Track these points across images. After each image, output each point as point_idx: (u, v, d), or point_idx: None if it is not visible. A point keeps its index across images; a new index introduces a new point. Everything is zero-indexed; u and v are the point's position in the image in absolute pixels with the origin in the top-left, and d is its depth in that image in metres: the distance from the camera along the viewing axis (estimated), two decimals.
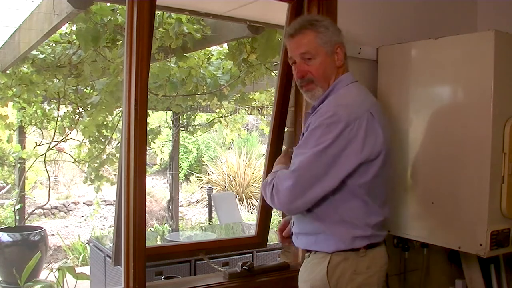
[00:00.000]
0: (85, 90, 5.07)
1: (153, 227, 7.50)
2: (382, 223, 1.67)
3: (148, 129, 3.05)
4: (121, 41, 3.90)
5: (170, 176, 6.84)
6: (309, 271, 1.66)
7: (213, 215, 7.15)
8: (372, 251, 1.63)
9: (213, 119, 7.19)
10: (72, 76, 4.62)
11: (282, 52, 2.17)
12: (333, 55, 1.68)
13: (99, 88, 4.36)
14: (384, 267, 1.68)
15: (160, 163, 7.60)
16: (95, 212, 6.85)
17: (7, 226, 5.75)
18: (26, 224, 5.95)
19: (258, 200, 5.19)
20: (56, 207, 8.92)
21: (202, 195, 9.79)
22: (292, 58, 1.71)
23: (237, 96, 5.73)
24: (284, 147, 2.22)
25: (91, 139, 5.20)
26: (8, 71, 4.83)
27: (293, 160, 1.60)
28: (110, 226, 8.22)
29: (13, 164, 6.23)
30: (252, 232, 2.51)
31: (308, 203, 1.56)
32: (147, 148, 3.72)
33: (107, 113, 4.77)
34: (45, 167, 5.67)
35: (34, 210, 7.10)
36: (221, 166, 10.13)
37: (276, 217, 5.39)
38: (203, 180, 10.17)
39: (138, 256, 1.76)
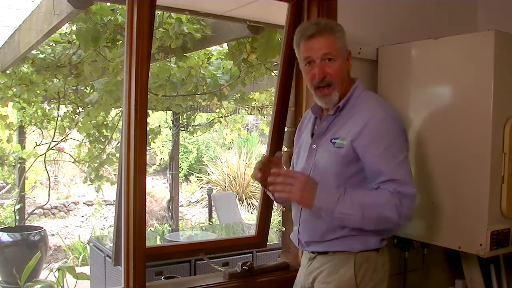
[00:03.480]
0: (85, 90, 5.07)
1: (153, 227, 7.49)
2: None
3: (148, 129, 3.05)
4: (121, 41, 3.89)
5: (170, 176, 6.83)
6: (330, 272, 1.65)
7: (213, 215, 7.14)
8: (385, 249, 1.70)
9: (213, 119, 7.19)
10: (72, 76, 4.62)
11: (282, 52, 2.16)
12: (347, 61, 1.70)
13: (99, 87, 4.37)
14: (388, 264, 1.74)
15: (160, 163, 7.59)
16: (96, 212, 6.83)
17: (7, 226, 5.74)
18: (26, 224, 5.94)
19: (258, 200, 5.18)
20: (56, 207, 8.92)
21: (202, 195, 9.78)
22: (309, 58, 1.65)
23: (237, 96, 5.73)
24: (284, 147, 2.21)
25: (91, 139, 5.20)
26: (8, 71, 4.83)
27: (394, 164, 1.58)
28: (110, 226, 8.21)
29: (13, 164, 6.22)
30: (252, 232, 2.51)
31: None
32: (147, 148, 3.72)
33: (103, 112, 4.76)
34: (45, 167, 5.66)
35: (34, 210, 7.08)
36: (221, 166, 10.12)
37: (276, 217, 5.38)
38: (203, 180, 10.17)
39: (138, 256, 1.76)
